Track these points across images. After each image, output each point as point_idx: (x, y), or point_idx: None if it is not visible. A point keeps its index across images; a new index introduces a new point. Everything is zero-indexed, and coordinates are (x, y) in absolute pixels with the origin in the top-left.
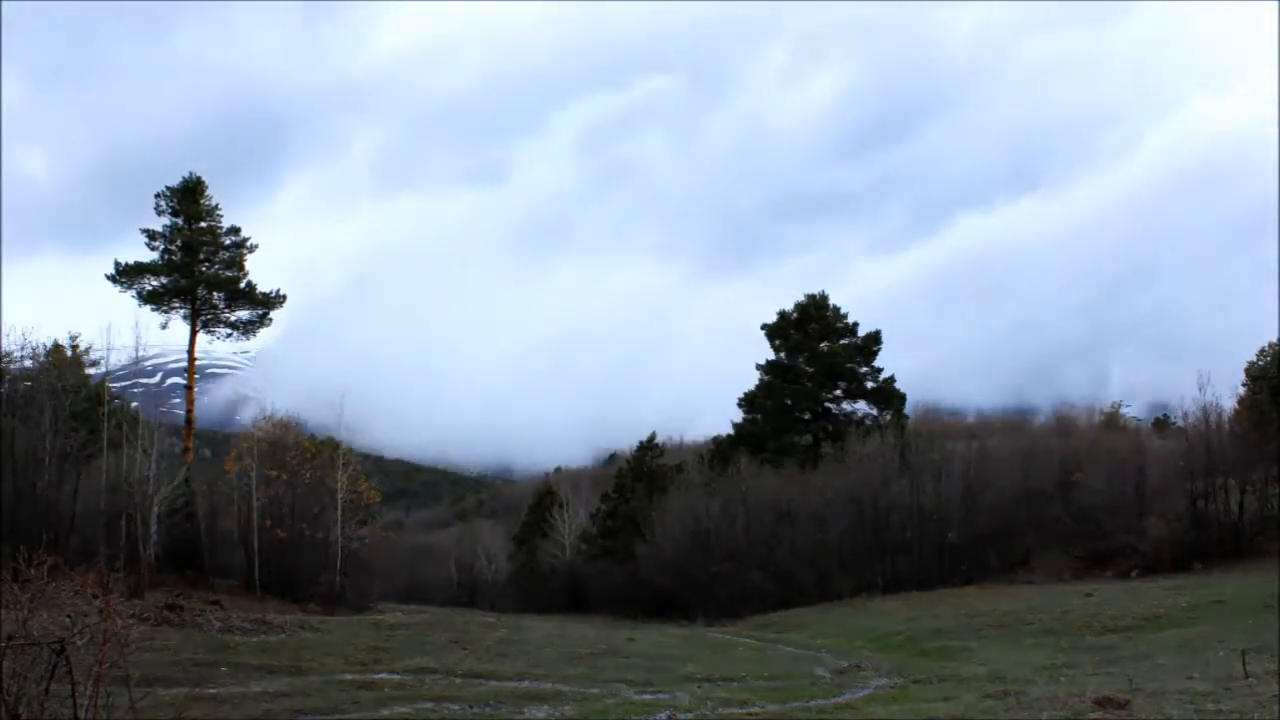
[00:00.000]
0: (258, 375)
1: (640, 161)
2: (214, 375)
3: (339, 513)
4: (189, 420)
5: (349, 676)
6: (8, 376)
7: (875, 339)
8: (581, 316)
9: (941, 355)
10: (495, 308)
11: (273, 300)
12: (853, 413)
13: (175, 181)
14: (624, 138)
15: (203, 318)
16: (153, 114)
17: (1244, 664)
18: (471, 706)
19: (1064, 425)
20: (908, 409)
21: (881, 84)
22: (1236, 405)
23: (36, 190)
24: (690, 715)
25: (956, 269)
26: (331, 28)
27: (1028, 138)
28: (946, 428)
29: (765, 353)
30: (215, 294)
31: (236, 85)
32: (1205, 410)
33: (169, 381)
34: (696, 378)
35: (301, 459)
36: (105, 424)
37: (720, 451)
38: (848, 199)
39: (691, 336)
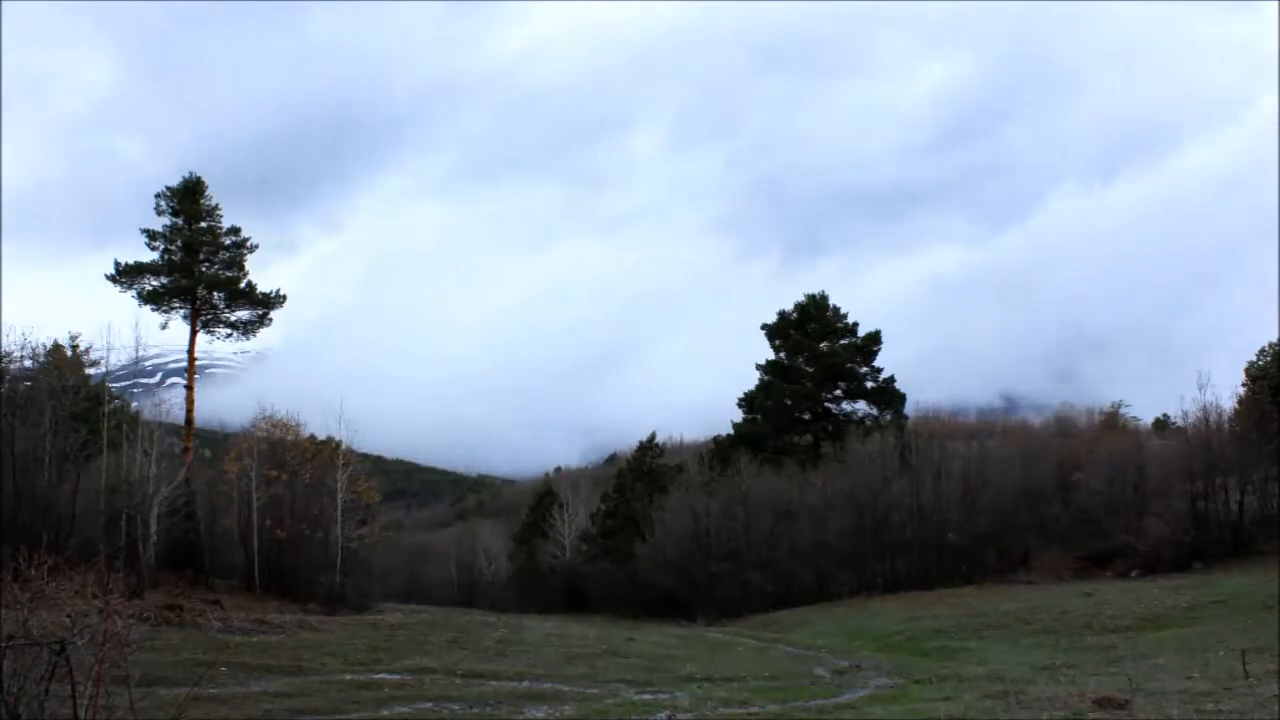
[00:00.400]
0: (258, 375)
1: (718, 158)
2: (214, 375)
3: (339, 513)
4: (189, 420)
5: (349, 676)
6: (8, 376)
7: (875, 339)
8: (620, 308)
9: (984, 353)
10: (515, 306)
11: (273, 300)
12: (853, 413)
13: (263, 177)
14: (718, 133)
15: (203, 318)
16: (254, 108)
17: (1244, 664)
18: (471, 706)
19: (1064, 425)
20: (907, 409)
21: (982, 75)
22: (1236, 405)
23: (132, 181)
24: (690, 715)
25: (1013, 265)
26: (468, 23)
27: (1121, 129)
28: (946, 428)
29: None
30: (215, 294)
31: (340, 85)
32: (1205, 410)
33: (169, 381)
34: (719, 374)
35: (301, 459)
36: (105, 424)
37: (720, 451)
38: (926, 193)
39: (722, 328)
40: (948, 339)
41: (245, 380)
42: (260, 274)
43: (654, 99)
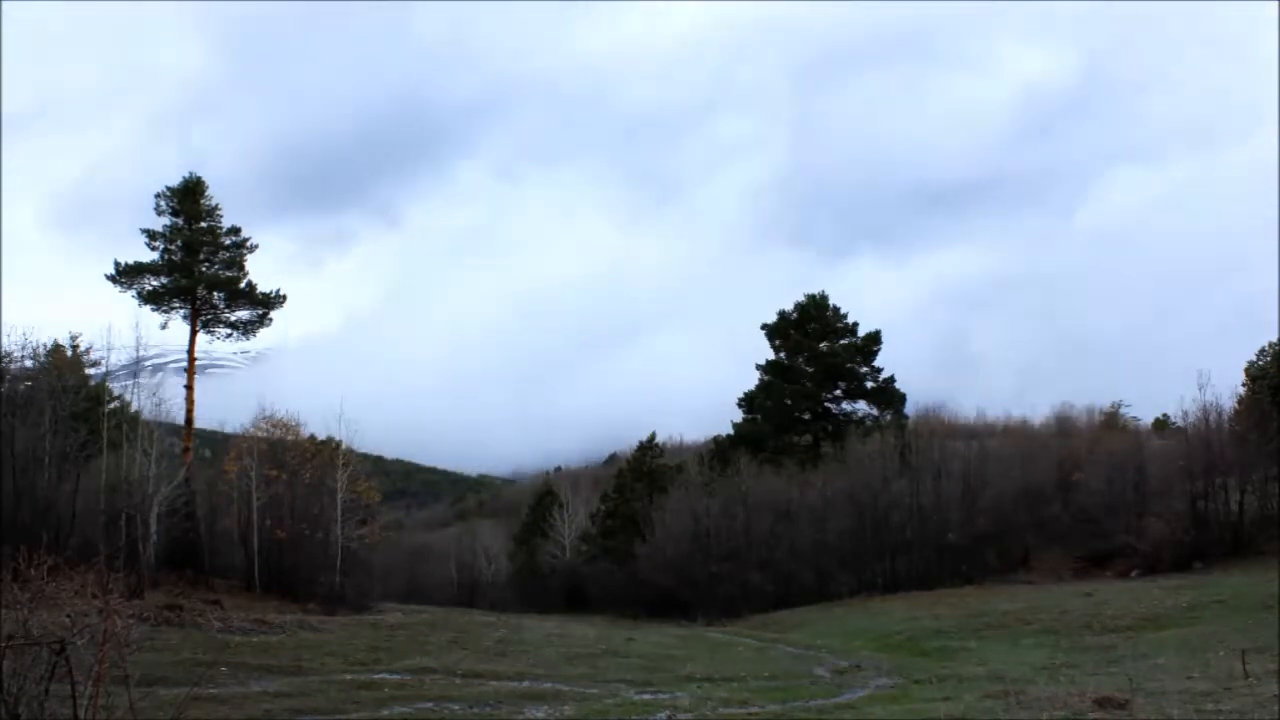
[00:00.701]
0: (258, 375)
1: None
2: (214, 375)
3: (339, 513)
4: (189, 420)
5: (349, 676)
6: (8, 376)
7: (875, 339)
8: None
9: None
10: (518, 304)
11: (273, 300)
12: (853, 413)
13: (328, 173)
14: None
15: (203, 318)
16: (325, 103)
17: (1244, 664)
18: (471, 706)
19: (1064, 425)
20: (908, 409)
21: (1070, 71)
22: (1236, 405)
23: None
24: (690, 715)
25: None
26: (559, 22)
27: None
28: (946, 428)
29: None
30: (215, 294)
31: (410, 82)
32: (1205, 410)
33: (169, 381)
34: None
35: (301, 459)
36: (105, 424)
37: (720, 451)
38: (985, 191)
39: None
40: (963, 338)
41: (245, 380)
42: (311, 273)
43: (728, 95)
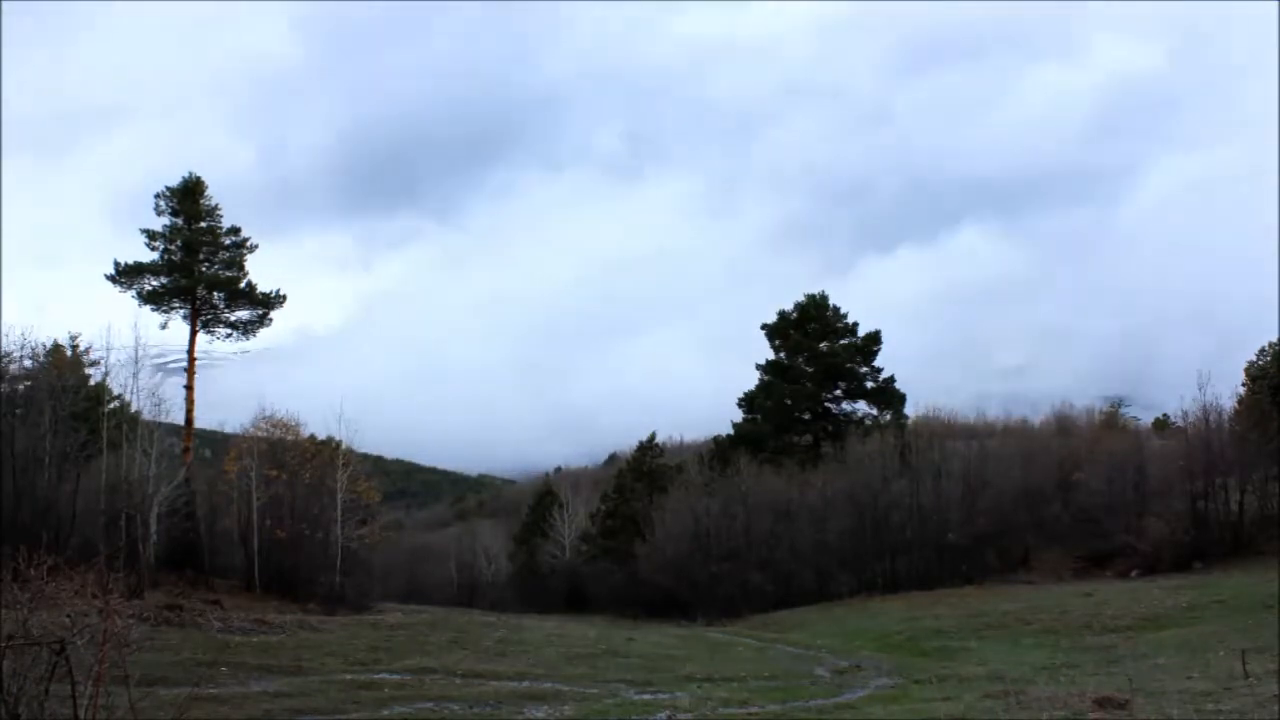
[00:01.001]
0: (258, 375)
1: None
2: (214, 375)
3: (339, 513)
4: (189, 420)
5: (349, 676)
6: (8, 376)
7: (875, 339)
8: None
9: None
10: (521, 303)
11: (273, 300)
12: (853, 413)
13: (387, 170)
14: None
15: (203, 318)
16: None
17: (1244, 664)
18: (471, 706)
19: (1064, 425)
20: (908, 409)
21: (1150, 69)
22: (1236, 405)
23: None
24: (690, 715)
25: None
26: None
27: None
28: (946, 428)
29: (766, 352)
30: (215, 294)
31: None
32: (1205, 410)
33: (169, 381)
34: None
35: (301, 459)
36: (105, 424)
37: (720, 451)
38: (1034, 189)
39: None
40: (963, 337)
41: (245, 380)
42: (341, 273)
43: (800, 93)
